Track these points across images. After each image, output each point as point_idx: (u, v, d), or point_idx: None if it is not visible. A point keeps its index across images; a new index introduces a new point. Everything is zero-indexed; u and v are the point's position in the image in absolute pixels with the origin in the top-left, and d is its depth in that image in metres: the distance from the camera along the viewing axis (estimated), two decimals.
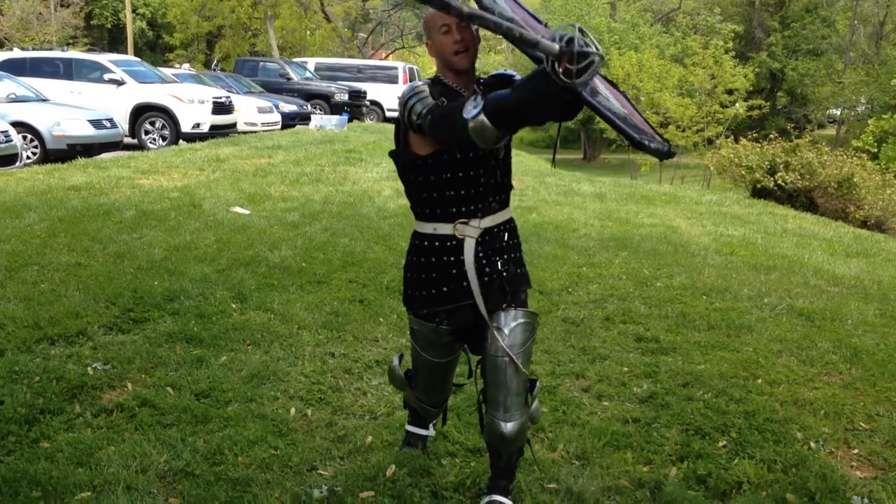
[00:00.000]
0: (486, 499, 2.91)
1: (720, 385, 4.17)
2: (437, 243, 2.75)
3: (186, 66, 26.73)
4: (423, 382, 3.08)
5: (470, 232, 2.70)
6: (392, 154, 2.82)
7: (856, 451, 3.58)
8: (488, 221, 2.72)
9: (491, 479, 2.96)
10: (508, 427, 2.76)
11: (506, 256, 2.78)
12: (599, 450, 3.44)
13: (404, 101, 2.58)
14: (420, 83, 2.61)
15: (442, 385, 3.08)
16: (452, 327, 2.83)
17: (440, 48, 2.61)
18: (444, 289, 2.76)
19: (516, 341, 2.72)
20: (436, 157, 2.64)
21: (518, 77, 2.61)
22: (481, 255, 2.72)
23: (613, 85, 2.63)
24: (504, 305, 2.75)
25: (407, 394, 3.26)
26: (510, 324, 2.73)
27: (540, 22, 2.69)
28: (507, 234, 2.79)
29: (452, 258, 2.73)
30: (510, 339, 2.71)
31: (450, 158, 2.62)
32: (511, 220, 2.85)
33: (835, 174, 13.95)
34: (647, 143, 2.18)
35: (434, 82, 2.66)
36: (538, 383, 2.91)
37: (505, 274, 2.76)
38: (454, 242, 2.72)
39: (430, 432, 3.40)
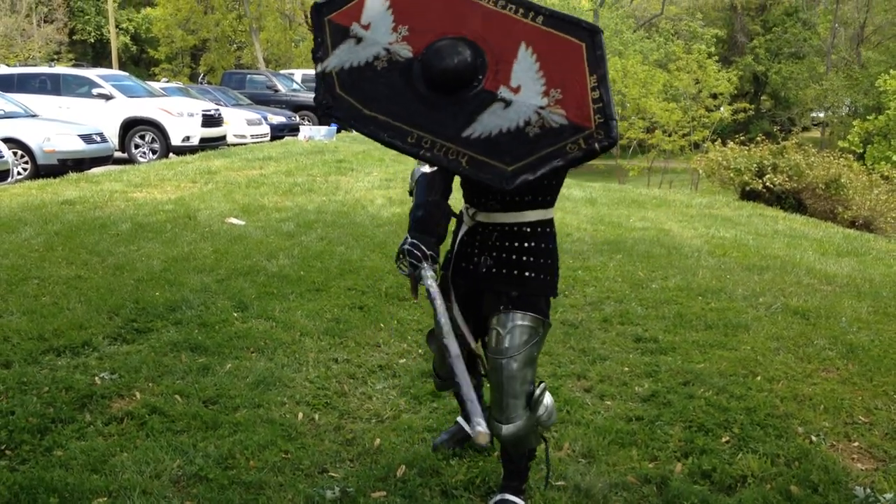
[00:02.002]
0: (498, 497, 2.97)
1: (720, 383, 4.23)
2: (458, 220, 2.93)
3: (164, 80, 26.76)
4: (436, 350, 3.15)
5: (465, 218, 2.87)
6: None
7: (856, 443, 3.65)
8: (482, 217, 2.80)
9: (503, 478, 3.04)
10: (504, 429, 2.77)
11: (494, 255, 2.79)
12: (605, 447, 3.49)
13: None
14: None
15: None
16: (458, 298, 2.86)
17: None
18: (449, 257, 2.92)
19: (514, 343, 2.73)
20: None
21: None
22: (468, 240, 2.85)
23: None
24: (502, 308, 2.78)
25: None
26: (507, 325, 2.75)
27: None
28: (497, 235, 2.79)
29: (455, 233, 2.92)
30: (508, 340, 2.73)
31: None
32: (516, 226, 2.78)
33: (822, 175, 14.11)
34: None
35: None
36: (542, 386, 2.86)
37: (484, 270, 2.80)
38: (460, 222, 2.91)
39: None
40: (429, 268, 2.60)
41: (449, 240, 2.92)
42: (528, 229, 2.79)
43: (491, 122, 2.37)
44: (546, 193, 2.77)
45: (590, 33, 2.31)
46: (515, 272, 2.79)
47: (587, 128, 2.30)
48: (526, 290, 2.79)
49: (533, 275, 2.80)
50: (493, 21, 2.35)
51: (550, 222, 2.85)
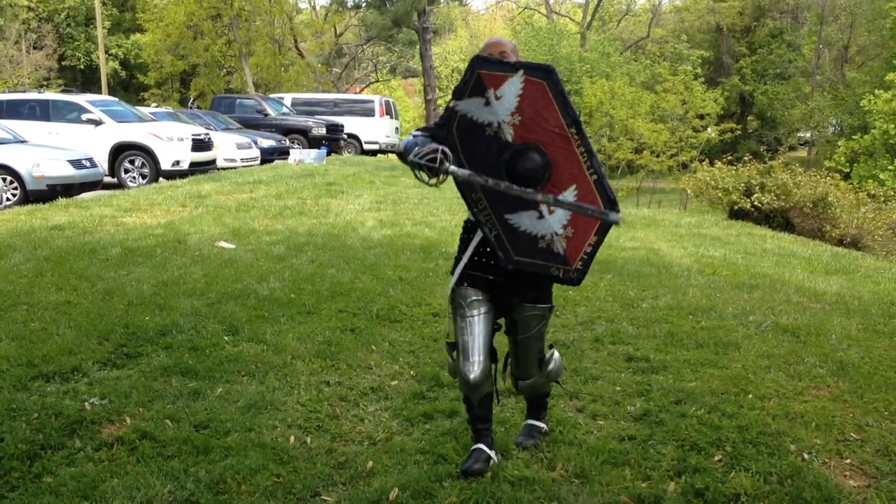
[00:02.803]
0: (526, 423, 3.80)
1: (712, 401, 4.24)
2: (467, 224, 3.48)
3: (154, 105, 26.80)
4: (458, 351, 3.44)
5: None
6: None
7: (848, 460, 3.65)
8: None
9: (527, 412, 3.85)
10: (521, 384, 3.65)
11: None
12: (598, 467, 3.49)
13: None
14: None
15: (471, 350, 3.37)
16: (476, 291, 3.38)
17: None
18: (462, 257, 3.43)
19: (529, 327, 3.45)
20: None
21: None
22: (488, 243, 3.28)
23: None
24: (518, 299, 3.41)
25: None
26: (524, 314, 3.43)
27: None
28: None
29: (471, 237, 3.41)
30: (524, 326, 3.44)
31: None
32: None
33: (809, 194, 14.19)
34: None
35: None
36: (552, 352, 3.71)
37: (506, 266, 3.27)
38: (475, 227, 3.38)
39: (496, 457, 3.51)
40: (448, 161, 3.02)
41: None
42: None
43: (524, 221, 3.15)
44: None
45: (612, 205, 3.07)
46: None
47: (571, 265, 3.19)
48: (539, 286, 3.41)
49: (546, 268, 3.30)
50: (570, 158, 3.05)
51: None
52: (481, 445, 3.47)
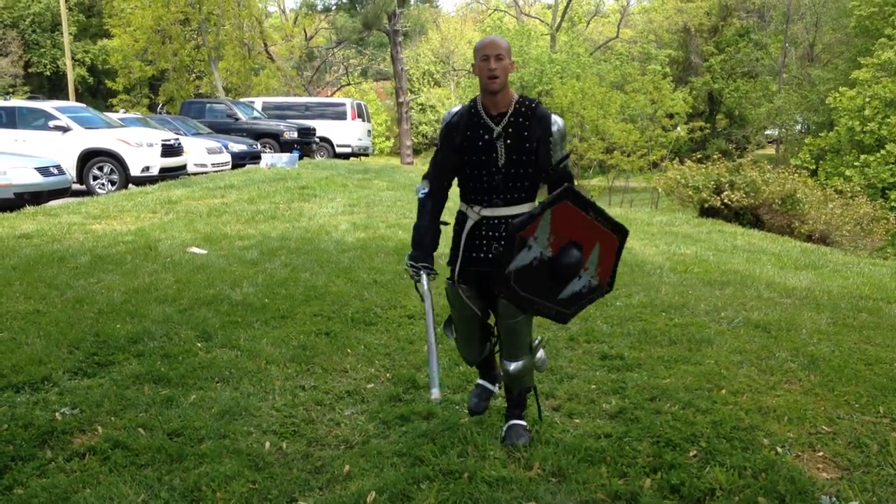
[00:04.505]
0: (507, 423, 3.83)
1: (686, 397, 4.27)
2: (459, 216, 3.67)
3: (122, 111, 26.51)
4: (458, 336, 3.85)
5: (471, 214, 3.59)
6: None
7: (820, 453, 3.69)
8: (488, 212, 3.55)
9: (507, 409, 3.88)
10: (512, 367, 3.69)
11: (504, 242, 3.47)
12: (575, 466, 3.50)
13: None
14: (456, 109, 3.62)
15: (469, 340, 3.83)
16: (468, 286, 3.65)
17: (478, 72, 3.46)
18: (455, 252, 3.66)
19: (517, 313, 3.55)
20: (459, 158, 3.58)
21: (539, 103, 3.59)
22: (478, 234, 3.58)
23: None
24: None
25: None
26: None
27: None
28: (504, 226, 3.51)
29: (462, 228, 3.63)
30: (513, 310, 3.54)
31: (462, 160, 3.55)
32: (517, 217, 3.44)
33: (778, 191, 14.37)
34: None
35: (469, 106, 3.57)
36: (539, 339, 3.84)
37: (493, 255, 3.53)
38: (464, 218, 3.64)
39: (496, 389, 4.05)
40: (424, 275, 3.57)
41: (445, 241, 3.68)
42: None
43: (571, 288, 3.49)
44: (535, 191, 3.59)
45: (622, 233, 3.53)
46: None
47: (604, 287, 3.63)
48: None
49: None
50: (591, 229, 3.43)
51: None
52: (484, 382, 4.01)
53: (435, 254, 3.69)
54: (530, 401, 3.99)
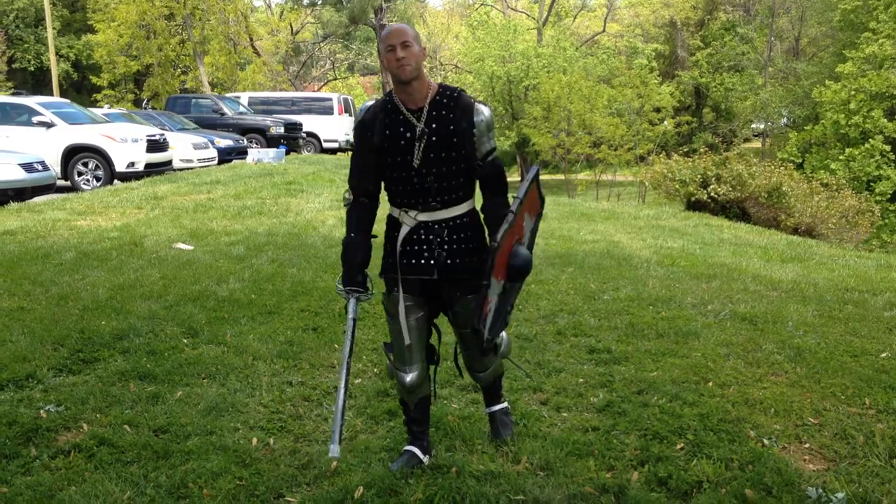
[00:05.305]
0: (487, 410, 3.76)
1: (673, 390, 4.28)
2: (390, 221, 3.33)
3: (107, 106, 26.34)
4: (395, 353, 3.42)
5: (406, 220, 3.24)
6: None
7: (807, 445, 3.71)
8: (426, 216, 3.21)
9: (485, 400, 3.78)
10: (482, 377, 3.61)
11: (447, 247, 3.22)
12: (562, 459, 3.49)
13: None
14: (370, 104, 3.27)
15: (407, 352, 3.36)
16: (409, 296, 3.29)
17: (387, 64, 3.11)
18: (390, 260, 3.29)
19: (472, 318, 3.12)
20: (379, 160, 3.23)
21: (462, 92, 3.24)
22: (416, 239, 3.23)
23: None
24: (460, 294, 3.27)
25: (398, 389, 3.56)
26: (466, 308, 3.25)
27: None
28: (447, 230, 3.22)
29: (396, 234, 3.28)
30: (463, 317, 3.29)
31: (383, 162, 3.21)
32: (458, 219, 3.24)
33: (764, 184, 14.42)
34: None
35: (384, 101, 3.22)
36: (504, 336, 3.59)
37: (441, 263, 3.21)
38: (397, 223, 3.29)
39: (426, 460, 3.47)
40: (352, 299, 3.25)
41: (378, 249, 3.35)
42: (467, 219, 3.28)
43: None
44: (472, 187, 3.29)
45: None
46: (467, 259, 3.24)
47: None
48: (477, 274, 3.14)
49: (478, 258, 3.24)
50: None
51: (475, 209, 3.33)
52: (414, 448, 3.47)
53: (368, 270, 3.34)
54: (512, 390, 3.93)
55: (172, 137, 18.02)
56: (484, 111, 3.17)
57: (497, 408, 3.75)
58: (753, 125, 44.22)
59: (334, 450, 3.02)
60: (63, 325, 5.33)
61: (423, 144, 3.11)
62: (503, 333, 3.55)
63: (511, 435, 3.68)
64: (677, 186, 15.37)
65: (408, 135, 3.12)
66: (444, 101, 3.14)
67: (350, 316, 3.23)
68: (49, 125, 15.23)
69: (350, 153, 3.39)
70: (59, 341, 5.00)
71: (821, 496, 3.18)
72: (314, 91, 41.22)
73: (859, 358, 4.87)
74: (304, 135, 24.84)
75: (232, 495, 3.18)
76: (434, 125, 3.12)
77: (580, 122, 29.80)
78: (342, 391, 3.09)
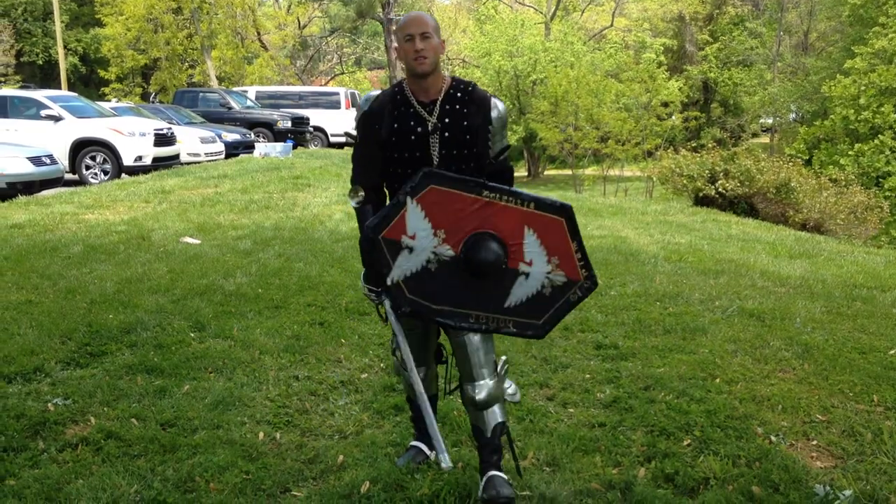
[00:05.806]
0: (484, 477, 3.09)
1: (680, 386, 4.27)
2: None
3: (115, 100, 26.37)
4: (401, 357, 3.19)
5: None
6: None
7: (814, 442, 3.70)
8: None
9: (481, 460, 3.16)
10: (478, 395, 3.07)
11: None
12: (569, 455, 3.50)
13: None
14: (375, 93, 3.08)
15: (415, 359, 3.12)
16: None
17: (403, 54, 2.96)
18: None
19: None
20: (386, 155, 3.04)
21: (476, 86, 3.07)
22: None
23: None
24: None
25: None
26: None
27: None
28: None
29: None
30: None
31: (390, 157, 3.02)
32: None
33: (772, 180, 14.35)
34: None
35: (393, 91, 3.03)
36: (503, 359, 3.18)
37: None
38: None
39: (432, 455, 3.43)
40: (388, 299, 2.95)
41: None
42: None
43: (520, 292, 2.90)
44: None
45: (565, 210, 2.87)
46: None
47: (579, 280, 2.92)
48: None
49: None
50: (501, 212, 2.85)
51: None
52: (420, 444, 3.47)
53: None
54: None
55: (180, 131, 18.04)
56: (499, 106, 3.04)
57: (496, 473, 3.09)
58: (762, 120, 44.01)
59: (446, 459, 2.85)
60: (71, 318, 5.35)
61: (435, 140, 2.96)
62: (511, 384, 3.26)
63: (510, 494, 3.04)
64: (685, 182, 15.31)
65: (418, 129, 2.95)
66: (458, 94, 2.98)
67: (392, 318, 2.97)
68: (57, 119, 15.26)
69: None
70: (66, 335, 5.02)
71: (828, 493, 3.18)
72: (321, 85, 41.21)
73: (867, 355, 4.85)
74: (311, 129, 24.85)
75: (238, 489, 3.19)
76: (447, 120, 2.96)
77: (588, 117, 29.68)
78: (425, 401, 2.97)
